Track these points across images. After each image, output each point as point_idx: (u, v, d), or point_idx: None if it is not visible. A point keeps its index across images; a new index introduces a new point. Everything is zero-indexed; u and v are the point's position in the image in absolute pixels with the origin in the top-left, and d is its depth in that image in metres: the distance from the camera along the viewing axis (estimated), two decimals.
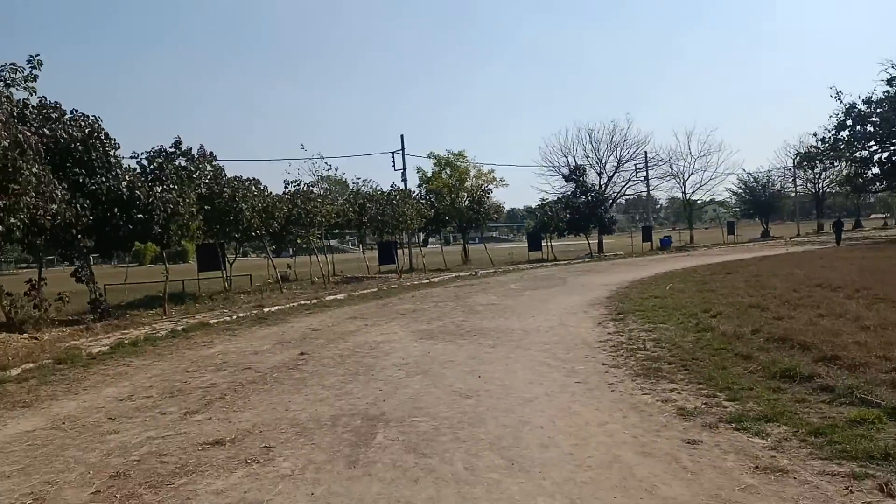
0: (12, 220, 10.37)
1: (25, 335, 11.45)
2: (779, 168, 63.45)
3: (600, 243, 43.14)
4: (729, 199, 65.08)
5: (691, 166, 57.16)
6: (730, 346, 7.82)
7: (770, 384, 6.07)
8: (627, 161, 47.94)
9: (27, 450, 5.40)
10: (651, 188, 52.58)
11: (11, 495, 4.37)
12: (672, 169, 53.13)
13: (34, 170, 11.11)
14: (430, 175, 36.20)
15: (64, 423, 6.24)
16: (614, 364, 7.67)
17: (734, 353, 7.43)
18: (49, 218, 11.64)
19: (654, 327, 9.97)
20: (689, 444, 4.73)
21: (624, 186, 49.67)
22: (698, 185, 53.31)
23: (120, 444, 5.43)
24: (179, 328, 12.63)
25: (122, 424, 6.08)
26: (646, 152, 48.76)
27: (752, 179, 61.49)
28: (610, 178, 47.44)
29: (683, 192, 54.07)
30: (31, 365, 9.15)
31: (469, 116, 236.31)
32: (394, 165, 37.48)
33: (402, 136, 37.03)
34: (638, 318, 10.99)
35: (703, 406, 5.65)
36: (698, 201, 58.25)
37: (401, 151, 36.91)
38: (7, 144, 10.51)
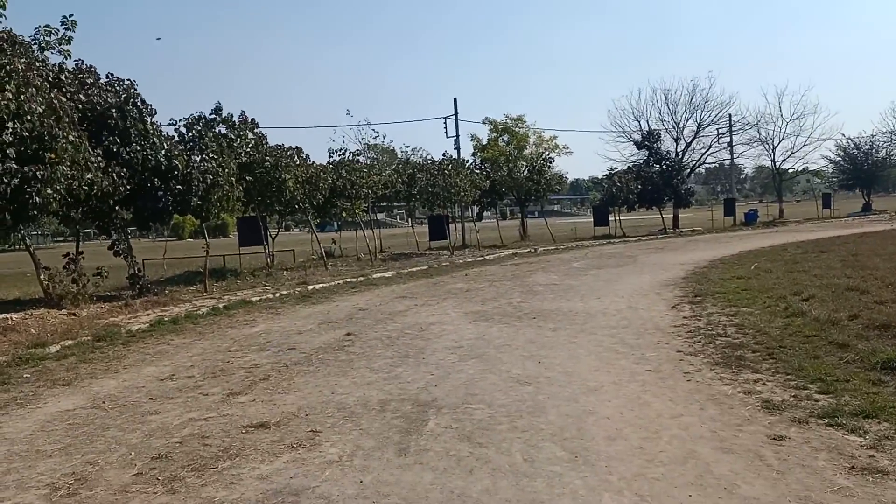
0: (49, 190, 10.84)
1: (64, 311, 12.04)
2: (884, 132, 60.22)
3: (676, 217, 42.24)
4: (825, 169, 62.08)
5: (782, 131, 54.81)
6: (823, 334, 7.59)
7: (869, 376, 5.88)
8: (709, 125, 46.52)
9: (68, 429, 5.72)
10: (735, 156, 51.08)
11: (53, 475, 4.65)
12: (760, 134, 51.18)
13: (70, 138, 11.59)
14: (485, 143, 36.08)
15: (104, 402, 6.56)
16: (690, 351, 7.55)
17: (828, 341, 7.21)
18: (85, 188, 12.13)
19: (736, 311, 9.75)
20: (775, 441, 4.63)
21: (704, 154, 48.32)
22: (790, 153, 51.17)
23: (161, 426, 5.69)
24: (221, 305, 13.05)
25: (163, 405, 6.36)
26: (730, 115, 47.20)
27: (852, 146, 58.58)
28: (688, 145, 46.22)
29: (773, 161, 52.18)
30: (70, 342, 9.64)
31: (530, 77, 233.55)
32: (446, 132, 37.46)
33: (454, 100, 37.17)
34: (718, 301, 10.77)
35: (792, 399, 5.52)
36: (789, 170, 56.06)
37: (454, 117, 36.84)
38: (42, 111, 10.98)
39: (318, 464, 4.64)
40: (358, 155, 28.48)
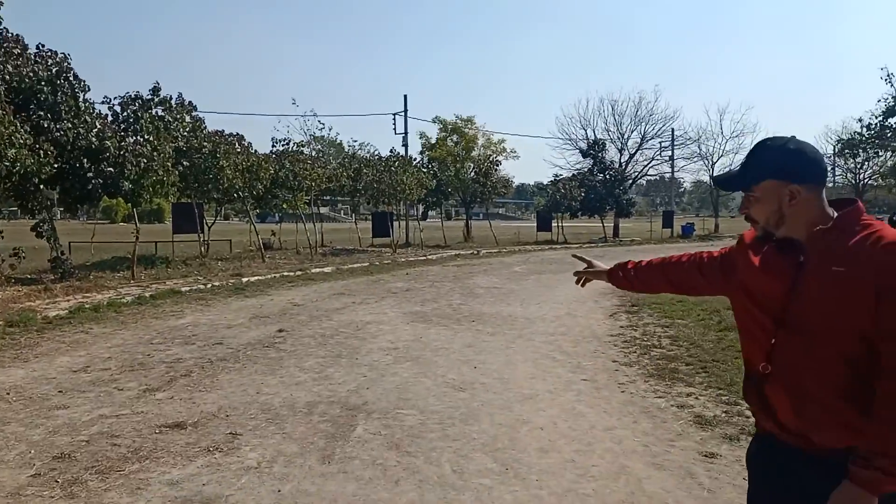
0: None
1: None
2: None
3: (616, 227, 43.00)
4: None
5: (722, 147, 56.37)
6: None
7: None
8: (652, 138, 47.56)
9: None
10: (676, 169, 52.31)
11: None
12: (700, 149, 52.69)
13: None
14: (433, 141, 35.89)
15: (9, 393, 6.09)
16: (626, 362, 7.52)
17: None
18: (6, 164, 11.42)
19: (671, 322, 9.83)
20: (707, 458, 4.58)
21: (646, 166, 49.38)
22: (728, 169, 52.95)
23: (68, 422, 5.29)
24: (147, 294, 12.49)
25: (73, 399, 5.94)
26: (673, 129, 48.38)
27: None
28: (632, 156, 47.15)
29: (711, 176, 53.74)
30: None
31: (482, 80, 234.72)
32: (395, 129, 37.09)
33: (405, 97, 36.81)
34: (654, 312, 10.85)
35: (724, 415, 5.51)
36: None
37: (403, 113, 36.53)
38: None
39: (234, 470, 4.35)
40: (303, 146, 27.90)
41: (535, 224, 39.34)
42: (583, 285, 2.90)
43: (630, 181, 47.17)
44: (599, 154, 42.20)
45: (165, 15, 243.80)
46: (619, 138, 46.69)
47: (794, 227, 1.89)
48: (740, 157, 51.32)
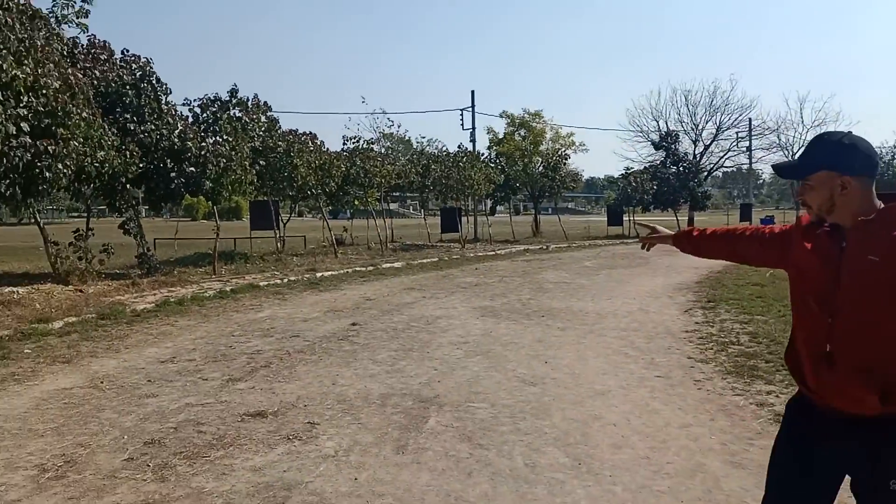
0: (60, 166, 10.76)
1: (70, 287, 11.99)
2: None
3: (690, 220, 41.83)
4: None
5: (802, 137, 53.99)
6: None
7: None
8: (728, 128, 46.10)
9: (63, 408, 5.62)
10: (754, 161, 50.54)
11: (43, 455, 4.54)
12: (780, 140, 50.74)
13: (83, 114, 11.51)
14: (501, 136, 35.81)
15: (102, 382, 6.46)
16: (702, 358, 7.35)
17: None
18: (96, 165, 12.05)
19: (750, 319, 9.54)
20: None
21: (722, 157, 47.90)
22: None
23: (157, 409, 5.58)
24: (228, 289, 12.97)
25: (161, 388, 6.25)
26: (750, 119, 46.70)
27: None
28: (706, 147, 45.82)
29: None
30: (74, 318, 9.56)
31: (549, 72, 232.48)
32: (462, 124, 37.25)
33: (472, 92, 36.72)
34: (732, 308, 10.55)
35: None
36: None
37: (470, 109, 36.59)
38: (58, 86, 10.90)
39: (313, 458, 4.50)
40: (372, 143, 28.32)
41: (606, 218, 38.75)
42: (648, 249, 3.07)
43: (705, 173, 45.82)
44: (672, 146, 41.07)
45: (241, 16, 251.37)
46: (692, 129, 45.52)
47: (843, 215, 2.08)
48: None
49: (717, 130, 45.77)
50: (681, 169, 40.20)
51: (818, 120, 58.82)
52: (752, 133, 47.22)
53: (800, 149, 50.13)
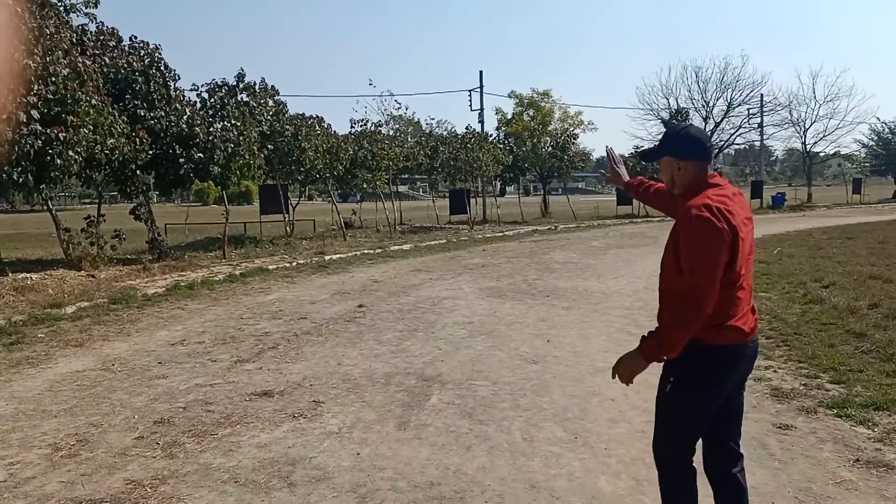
0: (70, 153, 10.91)
1: (83, 272, 12.19)
2: None
3: None
4: (857, 153, 60.78)
5: (815, 113, 53.02)
6: (841, 322, 7.44)
7: (884, 367, 5.74)
8: (739, 105, 45.70)
9: (75, 390, 5.79)
10: (765, 137, 50.01)
11: (56, 435, 4.71)
12: (792, 115, 50.06)
13: (93, 101, 11.64)
14: (509, 117, 35.63)
15: (114, 364, 6.63)
16: None
17: (845, 330, 7.07)
18: (106, 152, 12.19)
19: (754, 296, 9.57)
20: (781, 430, 4.55)
21: (733, 134, 47.54)
22: (822, 135, 49.87)
23: (167, 390, 5.74)
24: (237, 272, 13.14)
25: (171, 369, 6.41)
26: (762, 95, 46.19)
27: (886, 130, 57.35)
28: (717, 125, 45.48)
29: (803, 143, 50.98)
30: (86, 303, 9.75)
31: (557, 51, 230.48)
32: (470, 105, 36.98)
33: (480, 73, 36.26)
34: None
35: (802, 388, 5.41)
36: (821, 154, 54.77)
37: (479, 89, 36.35)
38: (67, 73, 11.03)
39: (317, 434, 4.64)
40: (380, 126, 28.32)
41: (615, 198, 38.61)
42: (607, 183, 3.83)
43: (716, 150, 45.51)
44: (683, 123, 40.86)
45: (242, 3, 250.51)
46: (703, 106, 45.25)
47: (680, 189, 2.78)
48: (835, 123, 48.69)
49: (728, 107, 45.52)
50: None
51: (831, 95, 57.97)
52: (764, 109, 46.75)
53: (812, 124, 49.78)
